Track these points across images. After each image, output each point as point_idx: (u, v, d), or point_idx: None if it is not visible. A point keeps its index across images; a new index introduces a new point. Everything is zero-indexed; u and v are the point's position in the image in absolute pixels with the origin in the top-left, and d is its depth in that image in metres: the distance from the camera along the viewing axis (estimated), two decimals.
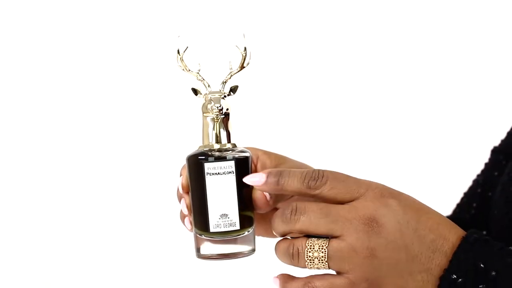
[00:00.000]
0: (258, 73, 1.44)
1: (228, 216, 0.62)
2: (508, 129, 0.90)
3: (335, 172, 0.56)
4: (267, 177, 0.58)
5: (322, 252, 0.54)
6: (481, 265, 0.53)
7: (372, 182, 0.56)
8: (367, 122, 1.59)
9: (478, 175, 0.92)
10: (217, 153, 0.63)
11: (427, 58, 1.56)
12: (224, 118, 0.64)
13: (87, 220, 1.62)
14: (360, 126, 1.59)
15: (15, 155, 1.61)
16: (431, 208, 0.57)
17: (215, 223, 0.62)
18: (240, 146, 0.65)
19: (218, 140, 0.64)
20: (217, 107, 0.63)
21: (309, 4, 1.59)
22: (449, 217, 0.93)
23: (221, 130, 0.64)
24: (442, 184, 1.48)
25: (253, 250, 0.64)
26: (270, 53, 1.54)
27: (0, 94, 1.61)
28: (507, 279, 0.53)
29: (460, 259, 0.54)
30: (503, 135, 0.91)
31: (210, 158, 0.62)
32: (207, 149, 0.63)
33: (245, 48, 0.64)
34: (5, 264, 1.59)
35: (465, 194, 0.92)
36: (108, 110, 1.63)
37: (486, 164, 0.91)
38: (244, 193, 0.63)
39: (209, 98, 0.64)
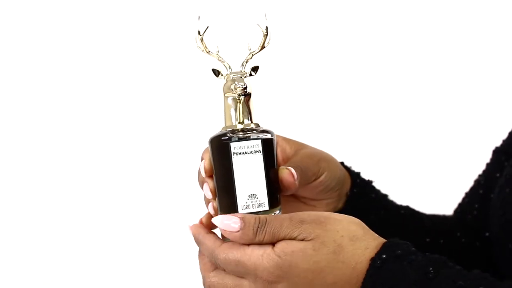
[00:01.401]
0: (276, 55, 1.44)
1: (256, 196, 0.60)
2: (509, 129, 0.90)
3: (227, 259, 0.58)
4: None
5: None
6: None
7: (259, 266, 0.56)
8: (376, 120, 1.59)
9: (479, 175, 0.91)
10: (241, 133, 0.61)
11: (432, 60, 1.57)
12: (246, 98, 0.63)
13: (91, 218, 1.59)
14: (370, 123, 1.59)
15: (19, 155, 1.59)
16: (327, 267, 0.56)
17: (243, 204, 0.60)
18: (263, 126, 0.63)
19: (241, 121, 0.62)
20: (242, 85, 0.62)
21: None
22: (451, 217, 0.92)
23: (244, 110, 0.63)
24: (444, 183, 1.48)
25: None
26: (290, 35, 1.54)
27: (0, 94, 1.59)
28: None
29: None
30: (505, 135, 0.90)
31: (235, 138, 0.60)
32: (230, 129, 0.62)
33: (266, 28, 0.63)
34: (5, 264, 1.56)
35: (467, 194, 0.91)
36: (115, 102, 1.61)
37: (487, 165, 0.90)
38: (271, 173, 0.61)
39: (231, 78, 0.63)
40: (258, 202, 0.60)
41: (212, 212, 0.64)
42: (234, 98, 0.62)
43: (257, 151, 0.60)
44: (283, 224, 0.56)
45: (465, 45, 1.56)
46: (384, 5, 1.58)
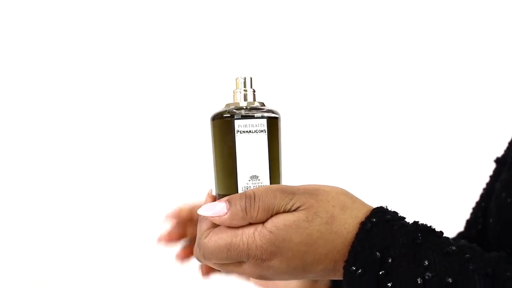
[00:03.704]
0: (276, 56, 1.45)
1: (258, 178, 0.57)
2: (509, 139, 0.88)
3: (216, 251, 0.56)
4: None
5: None
6: (377, 253, 0.53)
7: (251, 245, 0.54)
8: (378, 131, 1.58)
9: (484, 189, 0.88)
10: (245, 111, 0.58)
11: (436, 69, 1.57)
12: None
13: (90, 218, 1.59)
14: (371, 136, 1.58)
15: (19, 155, 1.59)
16: (320, 238, 0.55)
17: (244, 185, 0.57)
18: (268, 106, 0.61)
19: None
20: None
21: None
22: (462, 233, 0.90)
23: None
24: (448, 193, 1.48)
25: None
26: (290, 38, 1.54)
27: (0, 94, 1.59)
28: (402, 263, 0.53)
29: (357, 250, 0.54)
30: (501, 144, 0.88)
31: (238, 115, 0.57)
32: (234, 106, 0.59)
33: None
34: (5, 264, 1.56)
35: (473, 209, 0.88)
36: (115, 102, 1.61)
37: (490, 177, 0.88)
38: (274, 154, 0.59)
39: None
40: (260, 184, 0.57)
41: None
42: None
43: (262, 131, 0.57)
44: (277, 196, 0.55)
45: (469, 54, 1.56)
46: (384, 5, 1.59)
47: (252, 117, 0.57)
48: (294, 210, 0.54)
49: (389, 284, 0.52)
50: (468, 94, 1.57)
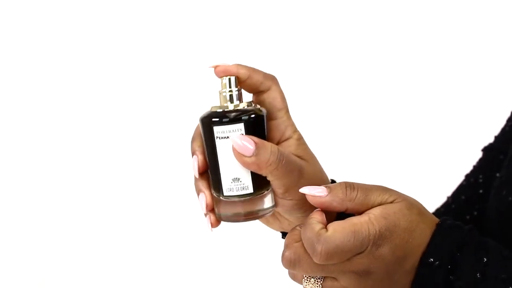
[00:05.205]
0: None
1: (240, 180, 0.59)
2: (499, 126, 0.87)
3: (343, 242, 0.55)
4: None
5: (317, 285, 0.58)
6: (452, 249, 0.57)
7: (371, 232, 0.56)
8: (368, 121, 1.60)
9: (472, 172, 0.88)
10: (226, 115, 0.59)
11: (423, 61, 1.59)
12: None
13: (90, 218, 1.60)
14: (361, 126, 1.60)
15: (19, 155, 1.59)
16: (418, 226, 0.58)
17: (227, 187, 0.59)
18: (254, 105, 0.61)
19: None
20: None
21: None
22: (441, 211, 0.90)
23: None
24: (437, 180, 1.47)
25: (273, 207, 0.62)
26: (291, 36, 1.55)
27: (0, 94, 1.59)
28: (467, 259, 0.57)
29: (438, 243, 0.57)
30: (489, 132, 0.88)
31: (218, 122, 0.59)
32: (220, 110, 0.60)
33: None
34: (5, 264, 1.55)
35: (462, 192, 0.88)
36: (115, 102, 1.62)
37: (481, 161, 0.87)
38: None
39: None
40: (242, 186, 0.59)
41: (203, 206, 0.62)
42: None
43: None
44: (372, 187, 0.58)
45: (454, 47, 1.57)
46: (384, 5, 1.59)
47: (231, 121, 0.58)
48: (390, 202, 0.58)
49: (451, 277, 0.56)
50: (451, 86, 1.58)
